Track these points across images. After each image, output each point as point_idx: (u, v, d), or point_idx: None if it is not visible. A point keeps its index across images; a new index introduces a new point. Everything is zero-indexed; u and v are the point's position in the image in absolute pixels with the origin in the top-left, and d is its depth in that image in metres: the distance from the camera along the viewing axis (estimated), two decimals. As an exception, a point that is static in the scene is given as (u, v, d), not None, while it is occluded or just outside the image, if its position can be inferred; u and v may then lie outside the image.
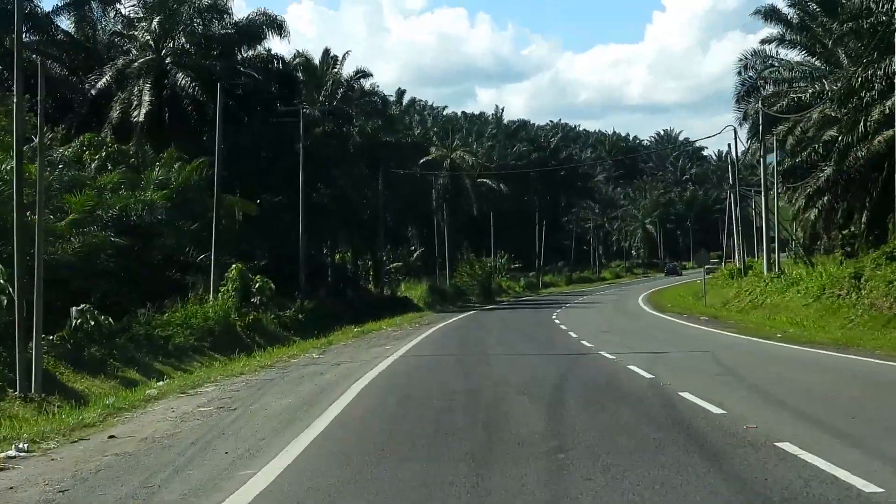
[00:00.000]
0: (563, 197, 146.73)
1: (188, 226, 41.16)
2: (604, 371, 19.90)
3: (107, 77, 51.14)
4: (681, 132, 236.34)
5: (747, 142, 59.52)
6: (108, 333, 26.64)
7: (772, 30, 58.42)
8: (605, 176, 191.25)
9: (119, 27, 56.31)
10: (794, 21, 57.40)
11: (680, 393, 15.15)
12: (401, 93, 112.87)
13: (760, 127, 48.56)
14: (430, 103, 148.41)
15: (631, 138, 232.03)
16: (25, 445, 12.36)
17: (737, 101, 61.07)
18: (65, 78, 49.73)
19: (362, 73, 72.45)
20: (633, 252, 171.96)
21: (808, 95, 50.58)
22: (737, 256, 70.42)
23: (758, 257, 73.78)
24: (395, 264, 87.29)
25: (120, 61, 52.43)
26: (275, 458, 10.69)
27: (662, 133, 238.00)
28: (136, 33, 54.84)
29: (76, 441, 13.01)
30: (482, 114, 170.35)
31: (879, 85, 38.65)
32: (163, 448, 11.94)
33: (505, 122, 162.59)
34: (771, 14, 55.55)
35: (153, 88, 50.84)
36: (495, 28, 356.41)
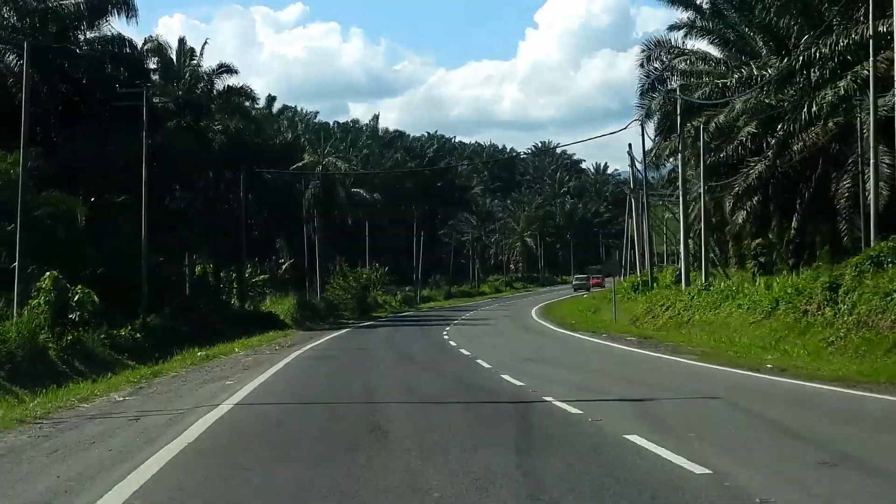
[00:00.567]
0: (440, 208, 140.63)
1: (6, 227, 33.98)
2: (608, 458, 10.76)
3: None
4: (558, 144, 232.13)
5: (655, 138, 53.54)
6: None
7: (680, 15, 52.83)
8: (482, 188, 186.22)
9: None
10: (705, 7, 51.94)
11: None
12: (271, 99, 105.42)
13: (679, 116, 42.37)
14: (301, 109, 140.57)
15: (508, 150, 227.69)
16: None
17: (640, 95, 55.42)
18: None
19: (225, 68, 64.63)
20: (512, 266, 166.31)
21: (721, 86, 44.86)
22: (641, 267, 64.44)
23: (641, 271, 68.25)
24: (261, 277, 79.52)
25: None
26: None
27: (540, 145, 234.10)
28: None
29: None
30: (356, 121, 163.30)
31: (832, 63, 32.62)
32: None
33: (380, 132, 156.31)
34: (679, -1, 49.90)
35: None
36: (368, 43, 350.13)
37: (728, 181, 41.80)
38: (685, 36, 52.68)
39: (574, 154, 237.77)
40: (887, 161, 32.83)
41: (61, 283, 30.47)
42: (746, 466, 9.93)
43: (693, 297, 37.32)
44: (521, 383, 19.58)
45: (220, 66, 64.42)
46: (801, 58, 34.29)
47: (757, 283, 33.31)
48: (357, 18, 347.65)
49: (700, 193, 49.81)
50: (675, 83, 53.58)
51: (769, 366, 21.20)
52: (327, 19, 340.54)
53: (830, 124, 35.54)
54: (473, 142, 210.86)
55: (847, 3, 31.97)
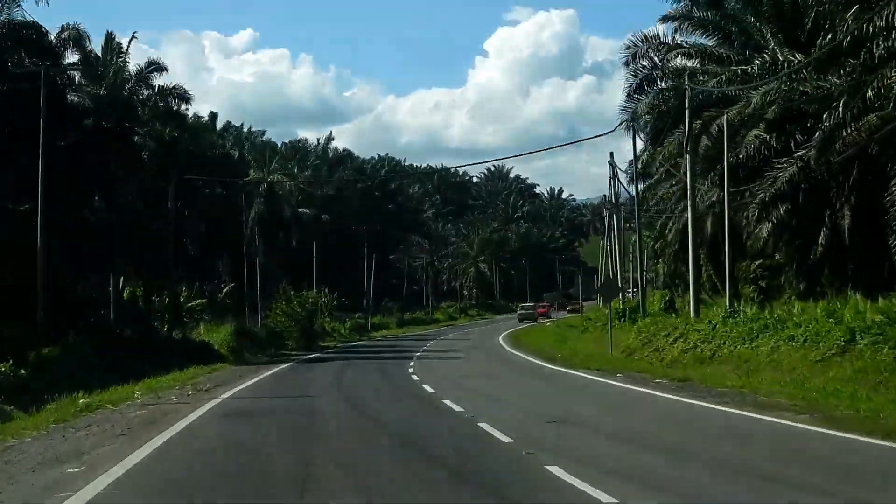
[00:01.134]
0: (391, 231, 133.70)
1: None
2: None
3: None
4: (511, 169, 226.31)
5: (646, 145, 47.10)
6: None
7: (668, 8, 46.99)
8: (434, 212, 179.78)
9: None
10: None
11: None
12: (214, 115, 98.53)
13: (687, 113, 35.69)
14: (247, 128, 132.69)
15: (461, 173, 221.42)
16: None
17: (627, 97, 49.24)
18: None
19: (156, 66, 57.32)
20: (465, 292, 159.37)
21: (727, 79, 38.60)
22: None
23: (623, 297, 61.88)
24: (198, 301, 72.10)
25: None
26: None
27: (493, 169, 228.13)
28: None
29: None
30: (305, 140, 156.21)
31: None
32: None
33: (329, 154, 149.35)
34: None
35: None
36: (317, 69, 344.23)
37: (746, 187, 35.30)
38: (676, 31, 46.68)
39: (527, 178, 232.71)
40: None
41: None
42: None
43: (715, 326, 30.55)
44: (582, 485, 11.21)
45: (150, 63, 57.19)
46: (849, 35, 27.90)
47: (815, 311, 26.55)
48: (306, 45, 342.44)
49: (686, 205, 43.63)
50: (666, 83, 47.58)
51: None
52: (276, 45, 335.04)
53: (873, 118, 29.17)
54: (425, 165, 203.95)
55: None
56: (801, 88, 32.15)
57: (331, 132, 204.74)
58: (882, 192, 29.48)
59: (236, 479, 12.58)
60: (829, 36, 29.77)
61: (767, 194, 32.21)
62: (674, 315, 40.17)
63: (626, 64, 48.59)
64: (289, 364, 42.65)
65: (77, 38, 51.62)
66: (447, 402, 22.31)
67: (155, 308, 59.63)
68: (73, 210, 46.13)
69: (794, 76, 31.86)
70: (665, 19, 46.11)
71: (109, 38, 57.16)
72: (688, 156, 35.60)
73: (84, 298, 47.16)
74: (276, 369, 38.80)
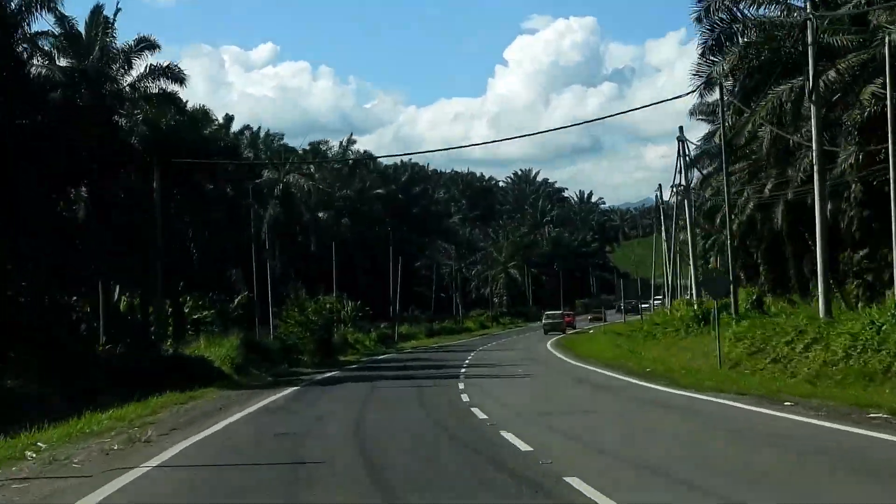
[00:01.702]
0: (416, 237, 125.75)
1: None
2: None
3: None
4: (538, 173, 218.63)
5: (730, 107, 38.91)
6: None
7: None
8: (460, 217, 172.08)
9: None
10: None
11: None
12: (229, 118, 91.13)
13: (811, 50, 27.19)
14: (265, 130, 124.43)
15: (486, 178, 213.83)
16: None
17: (700, 56, 41.57)
18: None
19: (146, 43, 49.37)
20: (496, 300, 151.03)
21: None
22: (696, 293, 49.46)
23: (695, 298, 53.72)
24: (206, 312, 64.19)
25: None
26: None
27: (520, 173, 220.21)
28: None
29: None
30: (326, 142, 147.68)
31: None
32: None
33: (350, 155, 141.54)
34: None
35: None
36: (337, 81, 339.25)
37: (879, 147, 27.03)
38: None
39: (556, 182, 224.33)
40: None
41: None
42: None
43: (881, 329, 21.98)
44: None
45: (140, 40, 49.26)
46: None
47: None
48: (326, 57, 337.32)
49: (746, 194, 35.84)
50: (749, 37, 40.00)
51: None
52: (297, 58, 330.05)
53: None
54: (449, 170, 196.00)
55: None
56: None
57: (351, 133, 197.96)
58: None
59: None
60: None
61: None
62: (783, 316, 32.05)
63: (699, 20, 41.06)
64: (294, 388, 33.11)
65: (60, 17, 43.72)
66: (569, 479, 11.79)
67: (150, 321, 51.83)
68: (46, 205, 38.44)
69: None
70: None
71: (96, 11, 49.34)
72: (812, 106, 27.30)
73: (68, 310, 39.47)
74: (274, 397, 28.92)
